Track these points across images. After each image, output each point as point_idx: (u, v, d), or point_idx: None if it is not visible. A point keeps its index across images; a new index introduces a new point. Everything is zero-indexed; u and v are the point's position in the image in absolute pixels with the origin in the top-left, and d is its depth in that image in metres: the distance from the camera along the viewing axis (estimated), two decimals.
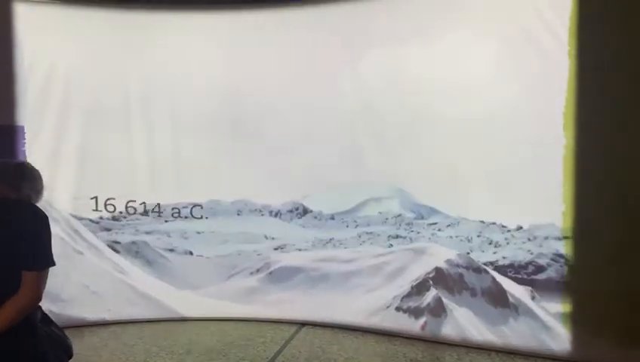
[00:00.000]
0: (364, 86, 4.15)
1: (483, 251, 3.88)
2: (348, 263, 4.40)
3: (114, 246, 4.59)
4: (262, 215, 4.70)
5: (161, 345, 3.53)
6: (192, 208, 4.60)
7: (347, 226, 4.47)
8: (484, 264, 3.87)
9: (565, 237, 3.46)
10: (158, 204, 4.56)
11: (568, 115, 3.28)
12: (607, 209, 3.26)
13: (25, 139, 3.85)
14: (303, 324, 4.12)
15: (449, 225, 4.06)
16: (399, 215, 4.29)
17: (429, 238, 4.10)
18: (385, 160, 4.21)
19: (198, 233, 4.75)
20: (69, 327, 3.84)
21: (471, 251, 3.92)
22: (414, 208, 4.24)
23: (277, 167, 4.40)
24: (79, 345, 3.47)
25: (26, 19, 3.77)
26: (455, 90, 3.74)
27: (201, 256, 4.67)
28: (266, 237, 4.68)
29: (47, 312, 1.86)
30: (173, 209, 4.60)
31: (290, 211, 4.64)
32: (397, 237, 4.25)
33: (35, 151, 3.95)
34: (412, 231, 4.20)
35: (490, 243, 3.87)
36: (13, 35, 3.72)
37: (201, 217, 4.61)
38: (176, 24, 4.19)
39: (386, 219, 4.34)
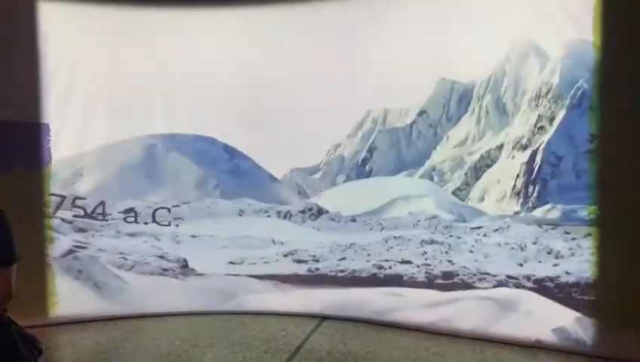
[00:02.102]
0: (387, 76, 3.63)
1: (540, 262, 3.24)
2: (382, 314, 3.47)
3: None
4: (268, 216, 3.99)
5: (184, 338, 3.52)
6: (154, 211, 3.87)
7: (371, 229, 3.81)
8: (541, 279, 3.19)
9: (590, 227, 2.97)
10: (102, 203, 3.88)
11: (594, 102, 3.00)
12: (633, 198, 2.85)
13: (50, 136, 3.84)
14: (324, 318, 3.81)
15: (496, 230, 3.41)
16: (434, 216, 3.63)
17: (473, 245, 3.46)
18: (415, 152, 3.58)
19: (193, 236, 4.05)
20: (93, 320, 3.75)
21: (525, 262, 3.29)
22: (453, 208, 3.59)
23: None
24: (103, 338, 3.51)
25: (50, 18, 3.70)
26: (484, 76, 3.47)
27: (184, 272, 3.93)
28: (274, 242, 3.99)
29: None
30: (126, 212, 3.85)
31: (302, 212, 3.94)
32: (432, 242, 3.60)
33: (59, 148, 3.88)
34: (450, 235, 3.55)
35: (549, 253, 3.23)
36: (38, 34, 3.69)
37: (169, 224, 3.92)
38: (199, 21, 3.93)
39: (418, 221, 3.68)
